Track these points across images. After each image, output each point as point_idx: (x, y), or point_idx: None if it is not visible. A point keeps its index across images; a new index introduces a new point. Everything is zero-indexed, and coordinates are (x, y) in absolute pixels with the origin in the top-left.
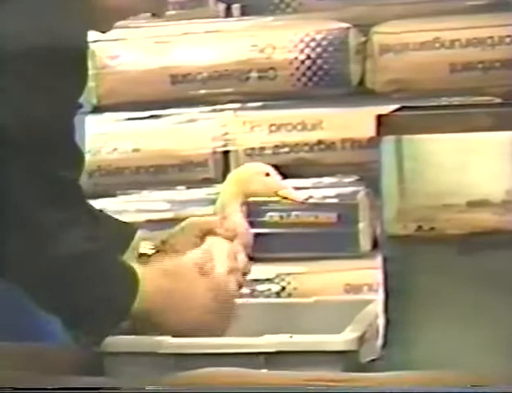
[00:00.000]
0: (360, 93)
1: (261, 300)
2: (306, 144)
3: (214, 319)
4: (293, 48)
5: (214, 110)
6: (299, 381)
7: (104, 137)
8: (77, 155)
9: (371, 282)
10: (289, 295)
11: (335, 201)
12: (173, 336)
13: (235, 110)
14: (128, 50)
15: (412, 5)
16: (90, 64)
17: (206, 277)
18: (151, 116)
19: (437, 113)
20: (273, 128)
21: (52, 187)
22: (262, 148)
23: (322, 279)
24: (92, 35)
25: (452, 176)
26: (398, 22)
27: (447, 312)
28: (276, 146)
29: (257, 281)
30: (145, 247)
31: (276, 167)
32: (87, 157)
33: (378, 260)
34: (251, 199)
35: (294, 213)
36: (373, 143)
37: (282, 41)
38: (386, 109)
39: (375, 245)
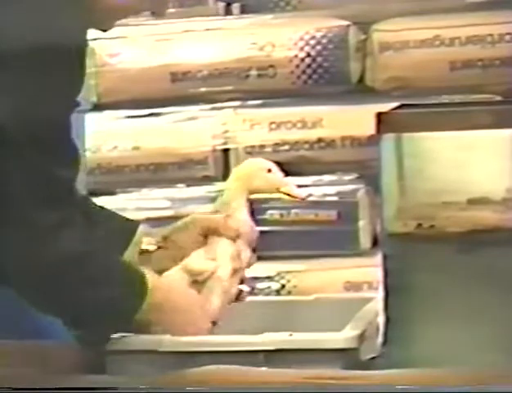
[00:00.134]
0: (360, 91)
1: (261, 297)
2: (306, 142)
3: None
4: (292, 46)
5: (214, 108)
6: (299, 379)
7: (104, 135)
8: (73, 153)
9: (371, 279)
10: (289, 293)
11: (335, 198)
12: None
13: (235, 108)
14: (128, 48)
15: (412, 3)
16: (90, 62)
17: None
18: (151, 114)
19: (437, 111)
20: (273, 126)
21: (48, 186)
22: (262, 146)
23: (322, 277)
24: (92, 33)
25: (452, 174)
26: (398, 20)
27: (447, 310)
28: (276, 144)
29: (257, 279)
30: (147, 243)
31: (277, 165)
32: (88, 155)
33: (378, 258)
34: (252, 196)
35: (294, 211)
36: (373, 141)
37: (282, 39)
38: (386, 107)
39: (375, 243)
